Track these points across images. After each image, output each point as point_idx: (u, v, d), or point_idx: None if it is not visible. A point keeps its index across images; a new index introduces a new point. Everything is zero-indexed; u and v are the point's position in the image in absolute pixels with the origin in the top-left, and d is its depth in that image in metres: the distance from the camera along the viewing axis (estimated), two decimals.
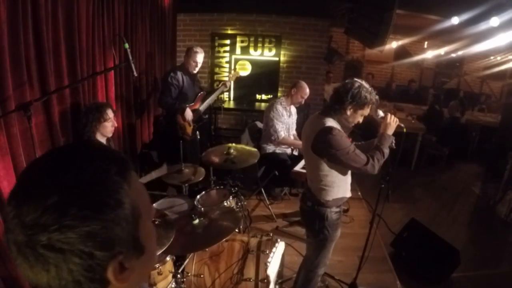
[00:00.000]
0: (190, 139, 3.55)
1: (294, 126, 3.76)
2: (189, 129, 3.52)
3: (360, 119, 1.90)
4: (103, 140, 2.30)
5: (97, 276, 0.44)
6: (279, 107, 3.48)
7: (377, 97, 1.87)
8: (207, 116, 4.32)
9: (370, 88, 1.84)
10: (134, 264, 0.48)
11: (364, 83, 1.85)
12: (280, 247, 1.21)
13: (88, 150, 0.49)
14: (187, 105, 3.41)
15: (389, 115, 1.94)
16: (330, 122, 1.86)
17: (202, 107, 3.66)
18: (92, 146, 0.50)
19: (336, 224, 2.03)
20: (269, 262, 1.12)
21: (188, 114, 3.41)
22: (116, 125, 2.34)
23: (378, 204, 2.19)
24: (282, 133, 3.48)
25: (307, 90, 3.49)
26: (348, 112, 1.86)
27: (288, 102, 3.54)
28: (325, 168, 1.91)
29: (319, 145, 1.85)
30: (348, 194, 2.07)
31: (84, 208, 0.42)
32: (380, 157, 1.86)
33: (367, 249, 2.32)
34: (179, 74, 3.39)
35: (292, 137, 3.69)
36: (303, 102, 3.58)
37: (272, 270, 1.13)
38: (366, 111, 1.88)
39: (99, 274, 0.44)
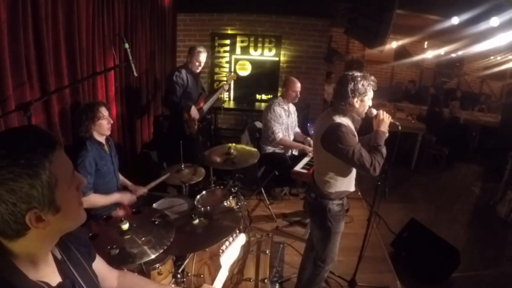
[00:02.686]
0: (191, 139, 3.56)
1: (295, 124, 3.74)
2: (194, 128, 3.54)
3: (370, 103, 1.96)
4: (101, 139, 2.28)
5: (18, 219, 0.64)
6: (277, 108, 3.46)
7: (372, 77, 1.92)
8: (210, 116, 4.33)
9: (361, 74, 1.90)
10: (50, 218, 0.68)
11: (355, 73, 1.90)
12: (239, 238, 1.23)
13: (24, 132, 0.69)
14: (192, 104, 3.44)
15: (381, 111, 1.99)
16: (340, 119, 1.93)
17: (205, 106, 3.68)
18: (28, 129, 0.71)
19: (338, 216, 2.06)
20: (222, 250, 1.15)
21: (194, 112, 3.44)
22: (112, 122, 2.29)
23: (376, 202, 2.20)
24: (280, 134, 3.46)
25: (297, 84, 3.45)
26: (357, 105, 1.92)
27: (285, 101, 3.53)
28: (332, 162, 1.94)
29: (328, 140, 1.90)
30: (352, 188, 2.11)
31: (11, 173, 0.62)
32: (380, 159, 1.88)
33: (366, 246, 2.32)
34: (183, 73, 3.41)
35: (292, 136, 3.68)
36: (298, 96, 3.51)
37: (227, 258, 1.15)
38: (371, 94, 1.94)
39: (20, 219, 0.64)
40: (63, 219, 0.71)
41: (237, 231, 1.22)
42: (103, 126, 2.22)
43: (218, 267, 1.12)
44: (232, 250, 1.17)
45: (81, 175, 0.78)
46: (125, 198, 2.33)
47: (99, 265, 1.00)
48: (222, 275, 1.13)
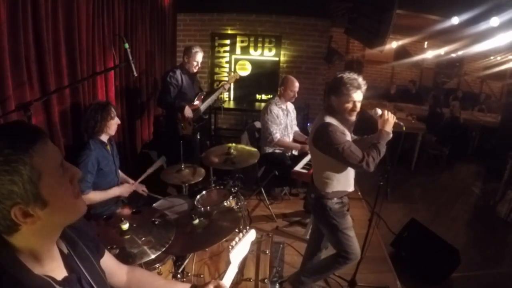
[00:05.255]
0: (189, 139, 3.54)
1: (294, 123, 3.72)
2: (188, 129, 3.51)
3: (349, 105, 1.92)
4: (105, 139, 2.29)
5: (5, 216, 0.65)
6: (274, 109, 3.43)
7: (355, 76, 1.89)
8: (207, 116, 4.31)
9: (347, 75, 1.89)
10: (39, 213, 0.67)
11: (341, 74, 1.92)
12: (250, 234, 1.22)
13: (5, 128, 0.68)
14: (186, 104, 3.42)
15: (386, 111, 1.99)
16: (329, 119, 1.96)
17: (202, 107, 3.65)
18: (10, 125, 0.69)
19: (341, 212, 2.07)
20: (232, 246, 1.14)
21: (188, 112, 3.41)
22: (119, 122, 2.34)
23: (377, 202, 2.20)
24: (278, 135, 3.44)
25: (296, 83, 3.43)
26: (334, 104, 1.96)
27: (283, 101, 3.52)
28: (326, 161, 1.97)
29: (317, 139, 1.96)
30: (350, 188, 2.11)
31: None
32: (376, 155, 1.88)
33: (366, 246, 2.32)
34: (178, 73, 3.38)
35: (291, 136, 3.67)
36: (296, 96, 3.50)
37: (236, 254, 1.14)
38: (356, 95, 1.89)
39: (7, 215, 0.65)
40: (55, 212, 0.70)
41: (247, 227, 1.20)
42: (113, 127, 2.26)
43: (227, 263, 1.11)
44: (242, 246, 1.16)
45: (75, 167, 0.77)
46: (124, 190, 2.34)
47: (108, 261, 1.00)
48: (232, 271, 1.11)
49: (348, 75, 1.90)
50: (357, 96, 1.91)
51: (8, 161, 0.63)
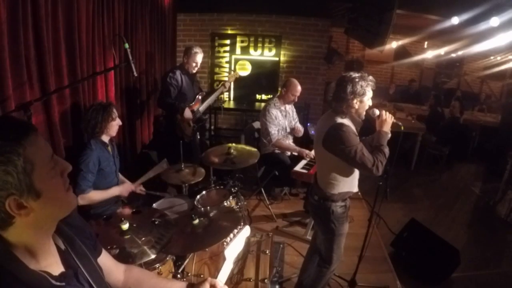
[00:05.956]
0: (189, 140, 3.54)
1: (294, 122, 3.69)
2: (188, 130, 3.51)
3: (370, 103, 1.95)
4: (106, 139, 2.30)
5: (0, 208, 0.65)
6: (272, 110, 3.43)
7: (370, 77, 1.92)
8: (207, 116, 4.30)
9: (359, 74, 1.89)
10: (32, 204, 0.68)
11: (353, 74, 1.90)
12: (244, 230, 1.22)
13: None
14: (186, 105, 3.41)
15: (383, 111, 1.99)
16: (342, 120, 1.93)
17: (202, 107, 3.65)
18: (1, 119, 0.69)
19: (342, 218, 2.05)
20: (226, 243, 1.14)
21: (187, 114, 3.40)
22: (121, 123, 2.34)
23: (377, 202, 2.19)
24: (275, 136, 3.43)
25: (298, 88, 3.41)
26: (357, 106, 1.92)
27: (282, 102, 3.51)
28: (334, 163, 1.94)
29: (330, 140, 1.90)
30: (355, 189, 2.10)
31: None
32: (382, 158, 1.88)
33: (366, 246, 2.32)
34: (178, 74, 3.38)
35: (291, 137, 3.66)
36: (296, 100, 3.50)
37: (231, 251, 1.14)
38: (370, 94, 1.93)
39: (1, 207, 0.65)
40: (47, 204, 0.71)
41: (242, 223, 1.19)
42: (114, 128, 2.27)
43: (222, 259, 1.11)
44: (236, 242, 1.16)
45: (66, 161, 0.77)
46: (124, 190, 2.35)
47: (105, 259, 1.01)
48: (227, 268, 1.11)
49: (359, 74, 1.89)
50: (370, 93, 1.93)
51: (2, 152, 0.64)
